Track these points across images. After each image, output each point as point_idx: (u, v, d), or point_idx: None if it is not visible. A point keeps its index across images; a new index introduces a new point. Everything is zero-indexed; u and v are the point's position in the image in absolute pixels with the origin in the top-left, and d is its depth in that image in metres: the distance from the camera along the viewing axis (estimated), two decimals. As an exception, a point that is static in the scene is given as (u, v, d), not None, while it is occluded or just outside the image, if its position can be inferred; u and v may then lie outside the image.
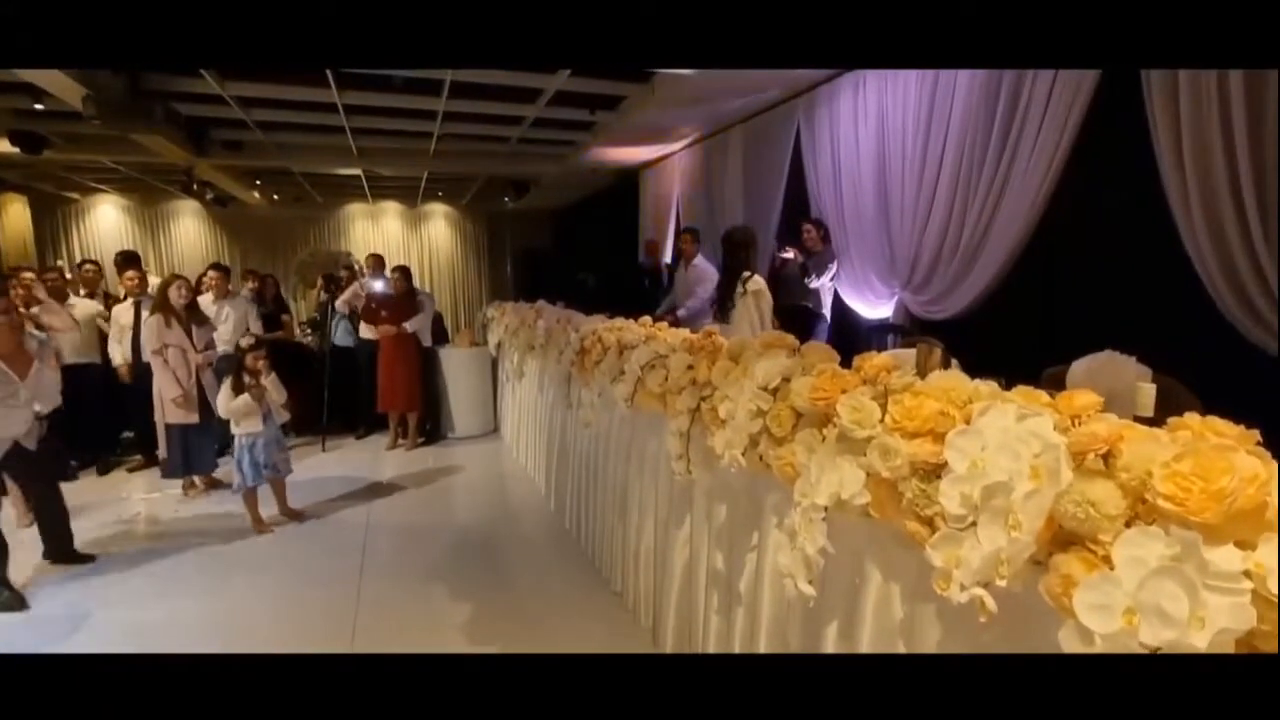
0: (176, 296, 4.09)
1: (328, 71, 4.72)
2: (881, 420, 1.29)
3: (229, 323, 5.13)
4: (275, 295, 6.15)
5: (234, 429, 3.68)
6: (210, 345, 4.30)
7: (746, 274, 3.77)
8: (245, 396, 3.61)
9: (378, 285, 5.67)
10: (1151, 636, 0.75)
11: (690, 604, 2.29)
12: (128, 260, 5.04)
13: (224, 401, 3.65)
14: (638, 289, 7.15)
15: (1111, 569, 0.84)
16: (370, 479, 4.71)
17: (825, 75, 4.67)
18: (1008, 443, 1.01)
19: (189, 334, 4.10)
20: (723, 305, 3.88)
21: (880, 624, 1.38)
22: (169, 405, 4.05)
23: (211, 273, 5.27)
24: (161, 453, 4.24)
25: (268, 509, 3.83)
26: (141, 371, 4.44)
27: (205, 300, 5.14)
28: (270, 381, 3.69)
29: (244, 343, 3.76)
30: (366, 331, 5.47)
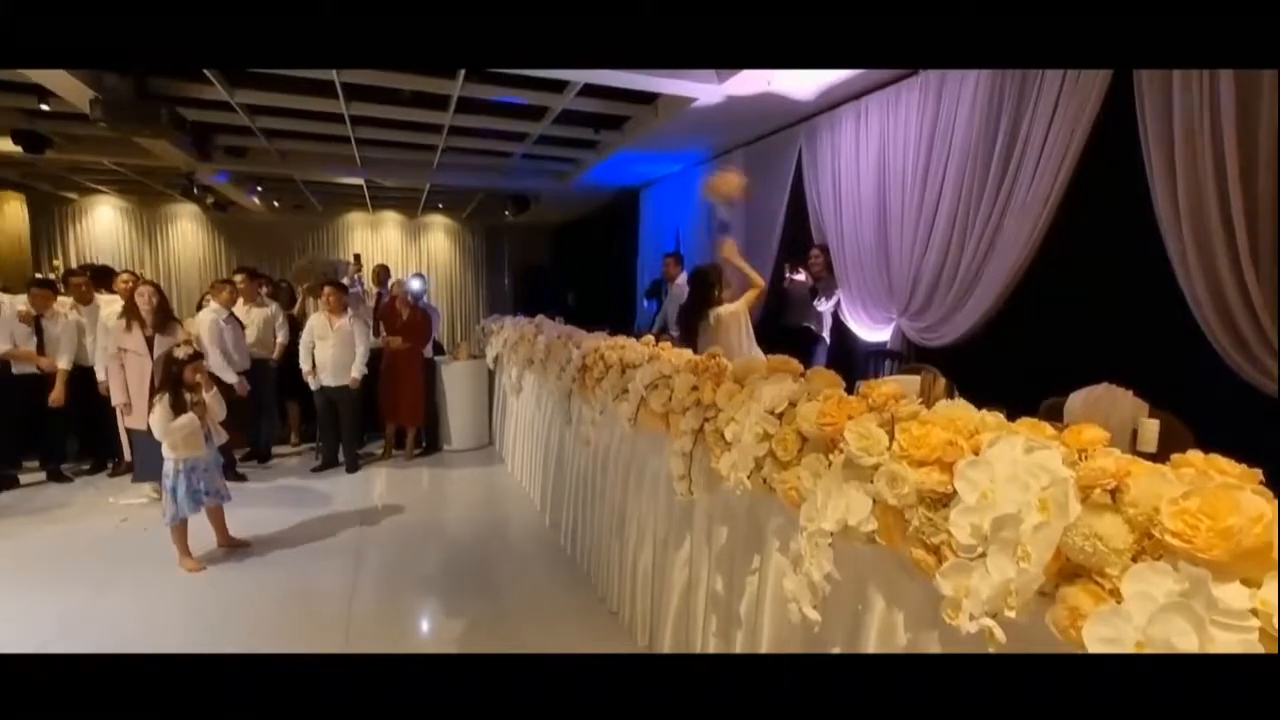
0: (143, 302, 4.01)
1: (336, 82, 4.76)
2: (889, 448, 1.31)
3: (253, 329, 5.12)
4: (290, 303, 6.11)
5: (169, 453, 3.21)
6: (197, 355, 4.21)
7: (717, 309, 3.68)
8: (188, 416, 3.18)
9: (414, 284, 5.62)
10: (1161, 671, 0.77)
11: (688, 625, 2.28)
12: (104, 274, 4.98)
13: (161, 423, 3.14)
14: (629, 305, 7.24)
15: (1118, 602, 0.85)
16: (363, 492, 4.67)
17: (828, 102, 4.75)
18: (1017, 475, 1.03)
19: (148, 342, 4.00)
20: (689, 332, 3.76)
21: (883, 651, 1.38)
22: (125, 410, 4.01)
23: (239, 277, 5.25)
24: (128, 457, 4.23)
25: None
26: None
27: (235, 306, 5.14)
28: (212, 398, 3.31)
29: (181, 353, 3.24)
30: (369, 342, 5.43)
